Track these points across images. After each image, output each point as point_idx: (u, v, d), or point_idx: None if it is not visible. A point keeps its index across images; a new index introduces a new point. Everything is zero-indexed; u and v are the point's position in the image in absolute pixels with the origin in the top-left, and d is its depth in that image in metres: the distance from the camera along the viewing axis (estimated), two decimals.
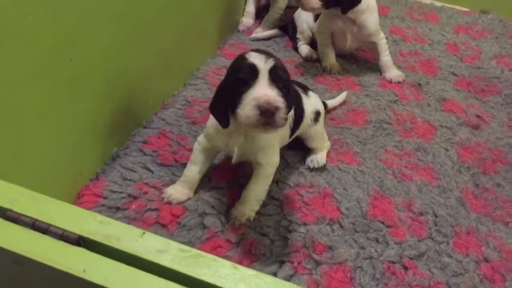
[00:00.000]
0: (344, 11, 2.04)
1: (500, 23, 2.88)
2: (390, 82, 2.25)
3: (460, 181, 1.73)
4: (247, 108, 1.18)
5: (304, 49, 2.40)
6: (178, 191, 1.49)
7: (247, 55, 1.26)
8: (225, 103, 1.28)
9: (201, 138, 1.50)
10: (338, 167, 1.72)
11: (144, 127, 1.78)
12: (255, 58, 1.23)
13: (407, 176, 1.73)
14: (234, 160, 1.44)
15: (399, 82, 2.24)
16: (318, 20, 2.28)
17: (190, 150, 1.68)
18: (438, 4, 3.07)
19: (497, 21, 2.90)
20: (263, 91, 1.19)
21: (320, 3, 1.99)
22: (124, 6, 1.52)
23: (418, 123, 2.00)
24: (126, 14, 1.54)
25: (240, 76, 1.22)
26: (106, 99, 1.54)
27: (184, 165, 1.60)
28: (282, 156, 1.55)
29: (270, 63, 1.22)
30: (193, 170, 1.50)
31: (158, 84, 1.88)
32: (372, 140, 1.87)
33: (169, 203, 1.47)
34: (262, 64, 1.21)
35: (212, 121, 1.42)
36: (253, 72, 1.21)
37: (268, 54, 1.27)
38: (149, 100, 1.83)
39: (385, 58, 2.27)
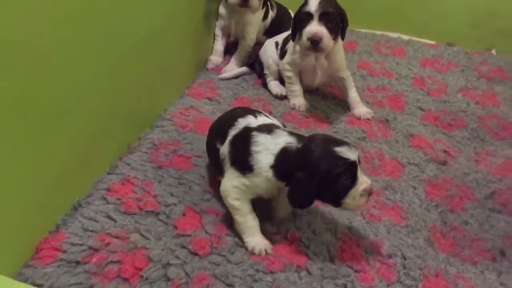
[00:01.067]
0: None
1: (466, 56, 2.94)
2: (359, 118, 2.26)
3: (428, 220, 1.73)
4: None
5: (273, 85, 2.41)
6: None
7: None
8: None
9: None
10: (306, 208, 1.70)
11: (108, 173, 1.74)
12: None
13: (376, 216, 1.72)
14: None
15: (368, 119, 2.26)
16: (287, 58, 2.30)
17: (155, 196, 1.66)
18: (405, 37, 3.13)
19: (462, 53, 2.96)
20: None
21: (332, 41, 2.05)
22: (86, 51, 1.50)
23: (386, 160, 2.00)
24: (89, 58, 1.53)
25: None
26: (68, 147, 1.50)
27: (148, 213, 1.57)
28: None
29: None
30: None
31: (123, 127, 1.85)
32: None
33: None
34: None
35: None
36: None
37: None
38: (113, 144, 1.80)
39: (354, 94, 2.30)
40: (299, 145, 1.42)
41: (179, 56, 2.24)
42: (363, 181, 1.41)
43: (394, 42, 3.04)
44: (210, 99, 2.27)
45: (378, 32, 3.16)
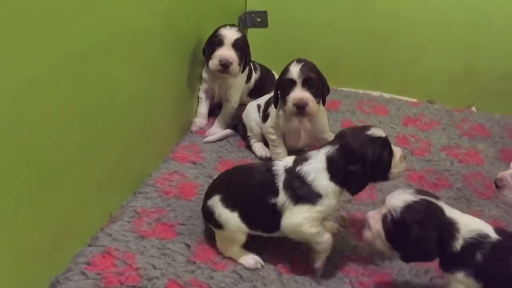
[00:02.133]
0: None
1: (447, 113, 2.99)
2: None
3: (416, 286, 1.69)
4: None
5: (257, 147, 2.41)
6: None
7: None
8: None
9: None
10: (293, 278, 1.66)
11: (89, 245, 1.69)
12: None
13: (365, 284, 1.68)
14: None
15: None
16: (270, 122, 2.30)
17: (137, 269, 1.61)
18: (387, 95, 3.18)
19: (443, 111, 3.01)
20: None
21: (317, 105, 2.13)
22: (66, 118, 1.48)
23: None
24: (70, 125, 1.51)
25: None
26: (46, 220, 1.46)
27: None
28: None
29: None
30: None
31: (105, 195, 1.82)
32: None
33: None
34: None
35: None
36: None
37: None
38: (94, 214, 1.76)
39: None
40: (336, 146, 1.61)
41: (163, 119, 2.24)
42: (397, 150, 1.66)
43: (376, 100, 3.08)
44: (194, 163, 2.25)
45: (361, 91, 3.21)
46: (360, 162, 1.57)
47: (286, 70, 2.13)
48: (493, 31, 2.94)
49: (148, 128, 2.08)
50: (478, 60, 3.04)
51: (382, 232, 1.49)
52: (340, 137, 1.64)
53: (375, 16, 3.07)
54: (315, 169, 1.60)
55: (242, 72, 2.51)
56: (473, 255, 1.40)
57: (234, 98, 2.60)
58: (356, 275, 1.71)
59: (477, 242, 1.40)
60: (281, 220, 1.61)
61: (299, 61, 2.14)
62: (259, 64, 2.80)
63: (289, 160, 1.68)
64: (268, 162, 1.79)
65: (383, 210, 1.50)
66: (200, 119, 2.61)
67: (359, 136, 1.60)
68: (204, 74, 2.60)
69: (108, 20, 1.64)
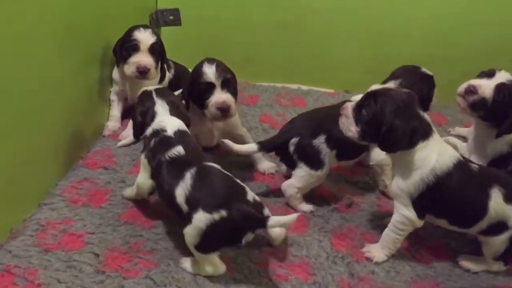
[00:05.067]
0: None
1: None
2: (263, 173, 2.24)
3: (335, 273, 1.70)
4: None
5: None
6: None
7: None
8: None
9: None
10: (209, 279, 1.61)
11: None
12: None
13: (282, 276, 1.66)
14: None
15: (272, 174, 2.24)
16: None
17: (39, 285, 1.50)
18: (305, 88, 3.21)
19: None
20: None
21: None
22: None
23: None
24: None
25: None
26: None
27: None
28: None
29: None
30: None
31: (4, 210, 1.69)
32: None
33: None
34: None
35: None
36: None
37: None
38: None
39: None
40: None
41: (69, 124, 2.11)
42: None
43: (294, 93, 3.10)
44: (106, 168, 2.15)
45: (279, 85, 3.21)
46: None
47: (199, 72, 2.05)
48: (398, 18, 3.03)
49: (52, 134, 1.97)
50: (388, 48, 3.12)
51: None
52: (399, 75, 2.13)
53: (285, 8, 3.08)
54: None
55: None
56: None
57: None
58: (273, 268, 1.69)
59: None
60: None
61: (210, 61, 2.07)
62: (173, 62, 2.72)
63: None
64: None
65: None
66: (113, 123, 2.50)
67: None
68: (115, 76, 2.50)
69: None
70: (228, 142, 1.97)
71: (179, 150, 1.70)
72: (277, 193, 2.10)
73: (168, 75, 2.65)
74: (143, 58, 2.30)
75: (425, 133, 1.62)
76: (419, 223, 1.68)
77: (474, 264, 1.75)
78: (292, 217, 1.50)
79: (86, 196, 1.95)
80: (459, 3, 2.98)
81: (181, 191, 1.60)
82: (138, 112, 1.87)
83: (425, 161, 1.61)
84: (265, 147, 1.99)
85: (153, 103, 1.85)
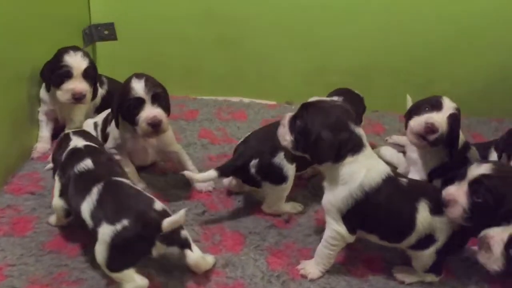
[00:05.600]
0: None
1: None
2: (200, 192, 2.18)
3: None
4: None
5: None
6: None
7: None
8: None
9: None
10: None
11: None
12: None
13: None
14: None
15: (209, 191, 2.19)
16: (110, 143, 2.13)
17: None
18: (247, 100, 3.17)
19: None
20: None
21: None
22: None
23: (227, 234, 1.92)
24: None
25: None
26: None
27: None
28: None
29: None
30: None
31: None
32: (178, 266, 1.73)
33: None
34: None
35: None
36: None
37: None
38: None
39: (191, 167, 2.22)
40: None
41: None
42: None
43: (235, 106, 3.06)
44: (32, 193, 2.04)
45: (221, 98, 3.17)
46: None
47: (128, 88, 1.97)
48: (337, 30, 3.05)
49: None
50: (328, 60, 3.13)
51: None
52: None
53: (224, 22, 3.03)
54: None
55: None
56: None
57: (79, 117, 2.42)
58: None
59: None
60: None
61: (138, 76, 2.00)
62: (107, 78, 2.63)
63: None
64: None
65: None
66: (42, 144, 2.39)
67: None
68: (43, 95, 2.39)
69: None
70: (188, 173, 1.96)
71: (87, 163, 1.69)
72: (213, 211, 2.05)
73: (101, 91, 2.55)
74: (77, 85, 2.24)
75: (355, 147, 1.62)
76: (350, 238, 1.67)
77: (408, 276, 1.75)
78: (180, 213, 1.51)
79: (8, 225, 1.84)
80: (396, 16, 3.01)
81: (87, 206, 1.58)
82: (56, 155, 1.86)
83: (353, 176, 1.60)
84: (224, 172, 1.97)
85: (69, 140, 1.86)
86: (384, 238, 1.70)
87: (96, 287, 1.62)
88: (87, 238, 1.79)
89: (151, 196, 1.64)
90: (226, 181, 2.17)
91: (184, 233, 1.62)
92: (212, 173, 1.94)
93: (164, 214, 1.57)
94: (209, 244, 1.86)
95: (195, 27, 3.08)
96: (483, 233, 1.52)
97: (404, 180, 1.68)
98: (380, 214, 1.63)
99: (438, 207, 1.63)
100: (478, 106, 3.10)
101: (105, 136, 2.18)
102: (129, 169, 2.14)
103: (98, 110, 2.51)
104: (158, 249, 1.53)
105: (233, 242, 1.89)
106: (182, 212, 1.51)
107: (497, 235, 1.47)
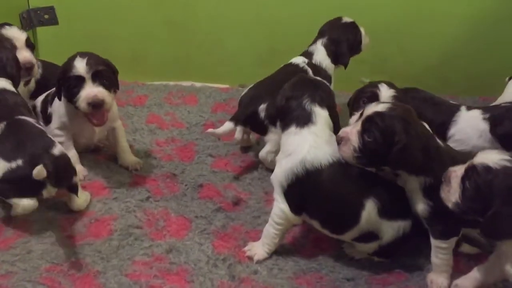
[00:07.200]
0: None
1: None
2: (127, 169, 2.13)
3: (215, 278, 1.59)
4: None
5: None
6: None
7: None
8: None
9: None
10: None
11: None
12: None
13: (157, 287, 1.53)
14: None
15: (136, 170, 2.12)
16: (55, 123, 2.04)
17: None
18: (198, 84, 3.07)
19: None
20: None
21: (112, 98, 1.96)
22: None
23: (171, 220, 1.85)
24: None
25: None
26: None
27: None
28: None
29: None
30: None
31: None
32: (117, 253, 1.66)
33: None
34: None
35: None
36: None
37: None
38: None
39: (124, 143, 2.17)
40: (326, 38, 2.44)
41: None
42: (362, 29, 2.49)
43: (186, 90, 2.95)
44: None
45: (172, 83, 3.06)
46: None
47: (69, 66, 1.89)
48: (289, 9, 2.99)
49: None
50: (278, 40, 3.06)
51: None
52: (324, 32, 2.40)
53: (172, 4, 2.94)
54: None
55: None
56: None
57: None
58: (147, 280, 1.56)
59: None
60: None
61: (82, 55, 1.91)
62: (41, 61, 2.47)
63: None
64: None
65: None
66: None
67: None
68: None
69: None
70: (210, 130, 2.11)
71: None
72: (158, 197, 1.96)
73: (35, 76, 2.40)
74: (24, 54, 2.12)
75: (302, 120, 1.60)
76: (294, 218, 1.62)
77: (358, 252, 1.71)
78: (37, 168, 1.56)
79: None
80: None
81: None
82: None
83: (297, 148, 1.57)
84: (238, 120, 2.12)
85: None
86: (325, 226, 1.64)
87: (27, 279, 1.51)
88: (18, 231, 1.71)
89: (53, 139, 1.74)
90: (239, 135, 2.27)
91: (76, 179, 1.74)
92: (228, 124, 2.09)
93: (62, 158, 1.68)
94: (152, 230, 1.78)
95: (142, 10, 2.98)
96: (448, 169, 1.45)
97: (355, 170, 1.57)
98: (320, 198, 1.57)
99: (388, 210, 1.57)
100: (432, 84, 3.08)
101: (47, 118, 2.09)
102: (71, 153, 2.02)
103: (34, 96, 2.36)
104: (49, 191, 1.67)
105: (178, 227, 1.81)
106: (39, 167, 1.56)
107: (458, 169, 1.42)
